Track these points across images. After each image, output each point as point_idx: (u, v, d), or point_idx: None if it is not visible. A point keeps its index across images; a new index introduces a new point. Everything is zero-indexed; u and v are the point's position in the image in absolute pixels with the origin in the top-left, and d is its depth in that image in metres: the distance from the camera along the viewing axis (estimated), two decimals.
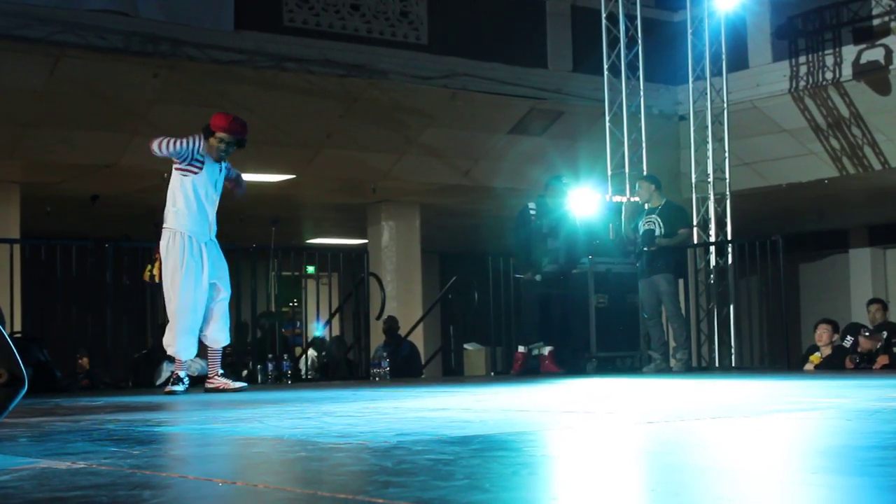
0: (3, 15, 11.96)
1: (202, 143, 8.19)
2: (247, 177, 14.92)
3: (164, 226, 8.27)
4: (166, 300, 8.26)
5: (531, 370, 11.51)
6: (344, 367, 13.60)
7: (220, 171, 8.38)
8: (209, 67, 13.18)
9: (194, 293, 8.13)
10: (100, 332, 10.95)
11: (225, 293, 8.33)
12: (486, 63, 14.97)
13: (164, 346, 8.34)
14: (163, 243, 8.25)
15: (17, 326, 11.35)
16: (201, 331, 8.34)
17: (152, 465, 3.13)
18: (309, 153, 14.90)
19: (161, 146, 8.10)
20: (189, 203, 8.19)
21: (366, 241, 17.69)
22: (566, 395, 7.07)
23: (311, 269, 14.34)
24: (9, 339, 2.80)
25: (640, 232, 11.79)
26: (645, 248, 11.70)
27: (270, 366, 11.05)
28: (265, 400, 6.96)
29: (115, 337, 10.97)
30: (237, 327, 12.32)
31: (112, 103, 12.96)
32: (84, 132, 13.31)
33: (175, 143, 8.10)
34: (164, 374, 11.34)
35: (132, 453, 3.31)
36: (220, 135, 8.19)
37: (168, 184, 8.39)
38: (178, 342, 8.18)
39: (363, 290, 12.98)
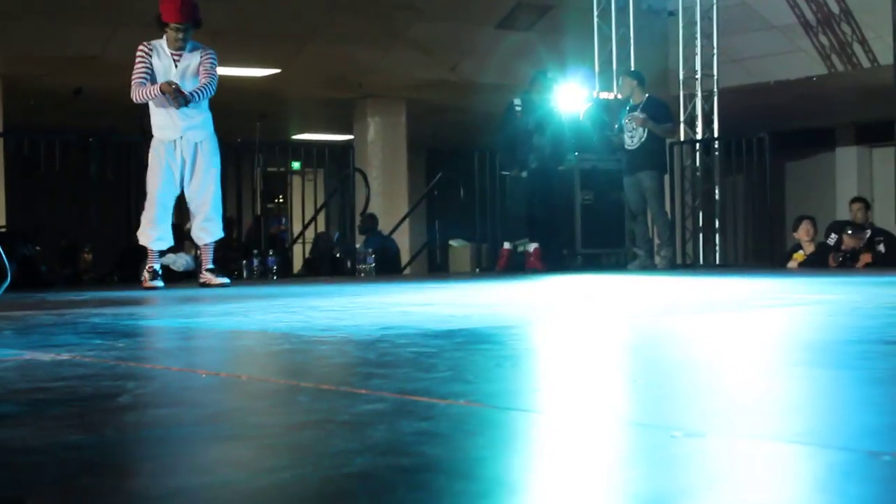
0: None
1: (159, 41, 8.13)
2: (232, 71, 14.90)
3: None
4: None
5: (516, 267, 11.54)
6: (329, 263, 13.61)
7: (181, 62, 8.19)
8: None
9: (161, 188, 8.11)
10: (84, 226, 10.93)
11: (202, 189, 8.25)
12: None
13: (138, 236, 8.36)
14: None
15: (2, 221, 11.32)
16: (188, 229, 8.41)
17: (136, 357, 3.13)
18: (294, 47, 14.76)
19: (138, 94, 8.05)
20: (151, 104, 8.18)
21: (352, 136, 17.61)
22: (550, 291, 7.10)
23: (296, 164, 14.29)
24: None
25: (624, 129, 11.73)
26: (630, 140, 11.59)
27: (256, 261, 11.06)
28: (251, 295, 6.98)
29: (100, 231, 10.94)
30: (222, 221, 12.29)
31: None
32: (67, 24, 13.14)
33: (137, 82, 8.05)
34: None
35: (116, 346, 3.31)
36: (172, 25, 8.10)
37: None
38: (146, 233, 8.22)
39: (349, 186, 12.95)
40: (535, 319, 4.46)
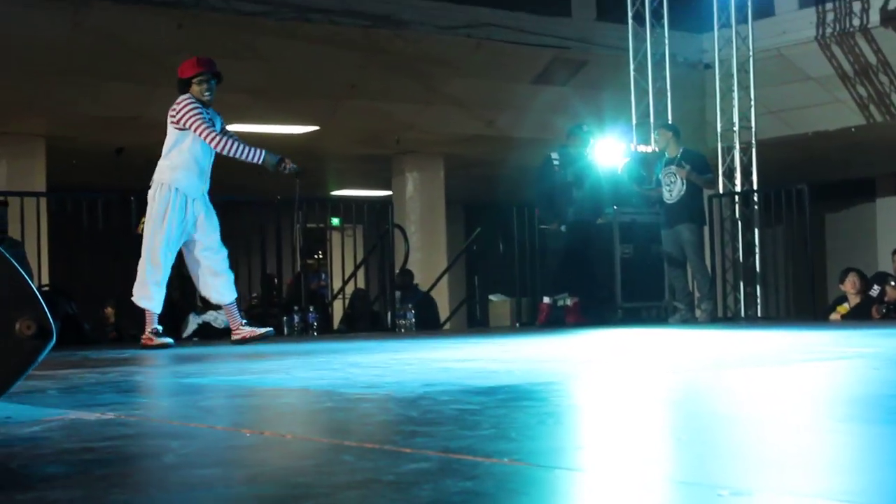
0: None
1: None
2: (271, 128, 15.03)
3: (155, 177, 8.12)
4: (143, 249, 8.16)
5: (556, 321, 11.50)
6: (368, 318, 13.63)
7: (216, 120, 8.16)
8: (233, 18, 13.15)
9: (167, 244, 8.02)
10: (126, 284, 10.99)
11: (219, 249, 8.17)
12: (510, 12, 14.88)
13: (134, 299, 8.20)
14: (150, 193, 8.11)
15: (45, 279, 11.42)
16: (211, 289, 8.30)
17: (180, 415, 3.15)
18: (332, 104, 14.87)
19: (226, 146, 7.97)
20: (184, 157, 8.03)
21: (390, 192, 17.68)
22: (591, 345, 7.08)
23: (335, 220, 14.35)
24: (36, 292, 2.81)
25: (662, 183, 11.70)
26: (668, 193, 11.56)
27: (296, 318, 11.09)
28: (291, 351, 6.99)
29: None
30: (263, 279, 12.35)
31: (136, 54, 12.94)
32: (108, 84, 13.31)
33: (213, 131, 7.98)
34: (191, 327, 11.40)
35: (160, 404, 3.34)
36: (199, 76, 8.03)
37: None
38: (150, 295, 8.10)
39: (388, 242, 12.98)
40: (576, 375, 4.45)
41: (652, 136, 14.01)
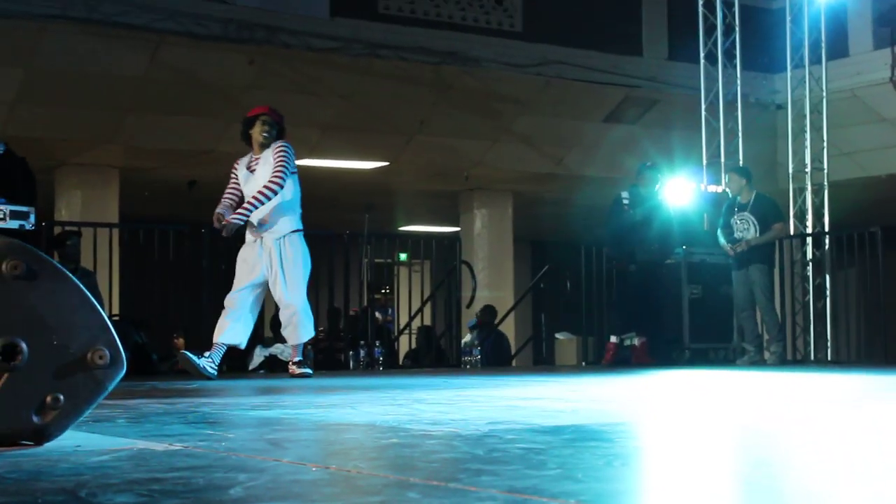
0: (107, 2, 12.18)
1: (246, 157, 8.28)
2: (341, 163, 15.14)
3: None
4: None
5: (623, 361, 11.44)
6: (434, 354, 13.64)
7: (262, 160, 8.21)
8: (304, 54, 13.29)
9: (241, 285, 8.17)
10: (196, 316, 11.10)
11: (285, 291, 8.18)
12: (581, 50, 14.90)
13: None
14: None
15: (116, 309, 11.56)
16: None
17: (247, 448, 3.16)
18: (402, 140, 14.95)
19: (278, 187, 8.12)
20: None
21: (458, 228, 17.71)
22: (659, 386, 7.02)
23: (403, 256, 14.40)
24: (108, 321, 2.85)
25: (733, 228, 11.60)
26: (739, 235, 11.48)
27: (363, 352, 11.12)
28: (358, 386, 7.00)
29: (211, 321, 11.11)
30: (330, 312, 12.40)
31: (209, 90, 13.13)
32: (182, 118, 13.50)
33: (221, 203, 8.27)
34: (257, 359, 11.48)
35: (227, 436, 3.35)
36: (261, 118, 8.17)
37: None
38: (220, 329, 8.22)
39: (455, 278, 13.00)
40: (644, 416, 4.41)
41: (721, 175, 13.93)
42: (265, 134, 8.17)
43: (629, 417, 4.25)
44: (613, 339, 11.66)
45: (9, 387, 2.69)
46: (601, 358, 12.13)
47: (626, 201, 11.47)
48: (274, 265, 8.16)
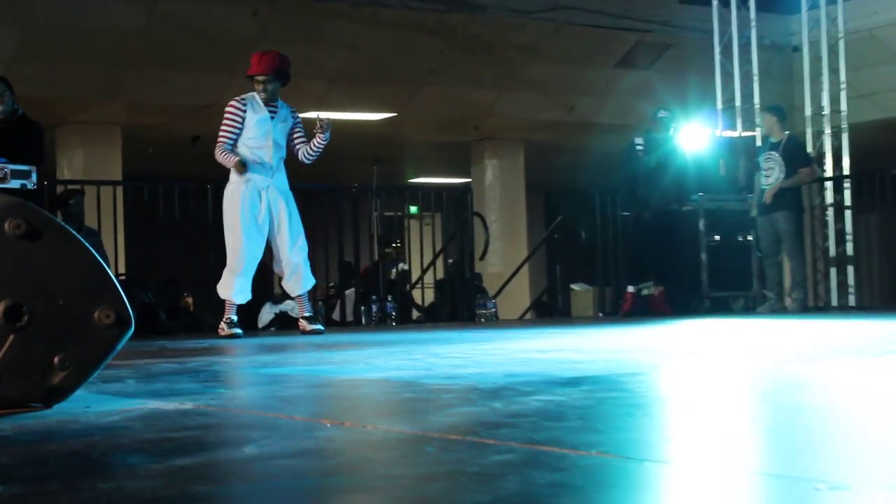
0: None
1: (253, 93, 8.22)
2: (348, 115, 15.10)
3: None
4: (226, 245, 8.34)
5: (641, 311, 11.43)
6: (448, 308, 13.63)
7: (278, 115, 8.23)
8: (308, 4, 13.23)
9: (246, 238, 8.14)
10: (202, 273, 11.11)
11: (291, 241, 8.24)
12: None
13: (218, 290, 8.36)
14: (225, 192, 8.33)
15: (122, 268, 11.58)
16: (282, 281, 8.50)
17: (260, 405, 3.17)
18: (410, 90, 14.90)
19: (220, 157, 8.17)
20: (243, 149, 8.19)
21: (469, 179, 17.68)
22: (678, 335, 7.02)
23: (413, 208, 14.38)
24: (115, 281, 2.85)
25: (761, 167, 11.47)
26: (765, 179, 11.33)
27: (374, 307, 11.13)
28: (370, 341, 7.02)
29: (217, 278, 11.13)
30: (340, 266, 12.40)
31: (211, 42, 13.07)
32: (184, 72, 13.46)
33: (222, 143, 8.19)
34: (267, 317, 11.49)
35: (239, 394, 3.36)
36: (257, 78, 8.17)
37: None
38: (230, 285, 8.23)
39: (467, 230, 12.99)
40: (663, 365, 4.41)
41: (737, 120, 13.86)
42: (264, 95, 8.17)
43: (648, 367, 4.26)
44: (631, 288, 11.65)
45: (15, 349, 2.69)
46: (618, 309, 12.12)
47: (639, 148, 11.42)
48: (283, 217, 8.18)
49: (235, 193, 8.20)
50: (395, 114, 15.42)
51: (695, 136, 12.28)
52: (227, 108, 8.24)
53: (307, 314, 8.53)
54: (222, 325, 8.32)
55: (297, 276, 8.32)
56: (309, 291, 8.63)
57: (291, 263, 8.29)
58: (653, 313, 11.23)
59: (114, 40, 12.74)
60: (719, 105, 14.24)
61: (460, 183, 17.87)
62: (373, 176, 11.87)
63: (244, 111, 8.18)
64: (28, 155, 8.21)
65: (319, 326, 8.53)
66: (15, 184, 7.85)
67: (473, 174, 17.64)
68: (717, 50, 14.36)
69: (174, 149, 16.19)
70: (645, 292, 11.57)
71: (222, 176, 8.46)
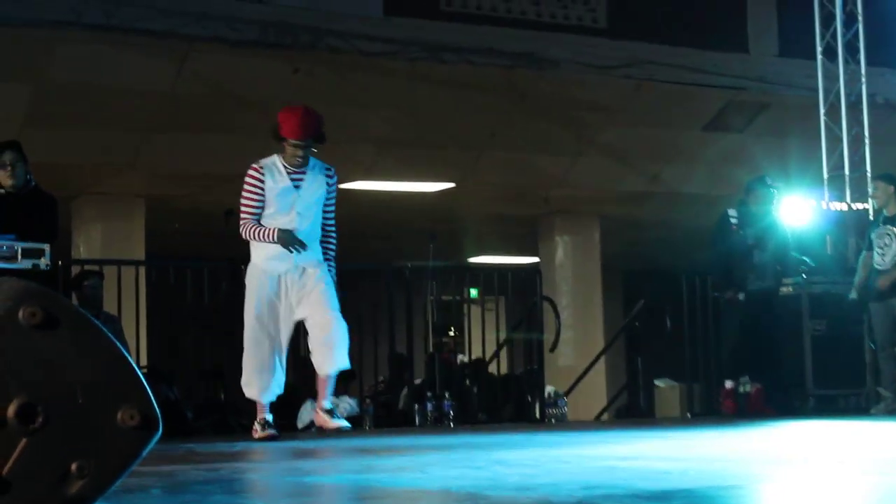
0: (125, 6, 12.27)
1: (272, 158, 8.18)
2: (398, 186, 15.19)
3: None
4: None
5: (737, 410, 11.33)
6: (514, 407, 13.58)
7: (306, 182, 8.12)
8: (355, 60, 13.34)
9: (259, 329, 8.01)
10: (235, 365, 11.12)
11: (325, 300, 7.95)
12: (676, 48, 14.85)
13: (242, 387, 8.16)
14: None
15: (143, 360, 11.63)
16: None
17: None
18: (470, 157, 14.97)
19: (248, 233, 8.14)
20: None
21: (537, 259, 17.68)
22: (781, 440, 6.95)
23: (474, 292, 14.39)
24: (141, 376, 2.86)
25: (874, 246, 11.35)
26: (881, 258, 11.19)
27: (430, 405, 11.10)
28: (426, 445, 6.99)
29: None
30: (391, 358, 12.40)
31: (247, 104, 13.19)
32: (215, 137, 13.58)
33: (245, 218, 8.17)
34: (308, 416, 11.49)
35: None
36: (291, 142, 7.98)
37: None
38: (253, 383, 8.07)
39: (535, 317, 12.96)
40: (765, 477, 4.36)
41: (846, 191, 13.79)
42: (299, 159, 8.10)
43: (749, 479, 4.21)
44: (728, 384, 11.54)
45: (27, 454, 2.70)
46: (709, 408, 12.02)
47: (734, 221, 11.38)
48: (316, 284, 8.01)
49: (252, 279, 8.13)
50: (452, 184, 15.48)
51: (797, 209, 12.25)
52: (246, 179, 8.15)
53: (327, 407, 7.99)
54: (255, 425, 8.12)
55: (329, 348, 7.88)
56: (345, 381, 8.40)
57: (333, 325, 7.92)
58: (749, 414, 11.13)
59: (137, 101, 12.89)
60: (825, 173, 14.18)
61: (527, 263, 17.87)
62: (428, 254, 11.89)
63: (263, 180, 8.08)
64: (41, 231, 8.31)
65: (345, 424, 8.25)
66: (26, 264, 7.92)
67: (542, 253, 17.65)
68: (822, 110, 14.33)
69: (204, 224, 16.28)
70: (741, 389, 11.47)
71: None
